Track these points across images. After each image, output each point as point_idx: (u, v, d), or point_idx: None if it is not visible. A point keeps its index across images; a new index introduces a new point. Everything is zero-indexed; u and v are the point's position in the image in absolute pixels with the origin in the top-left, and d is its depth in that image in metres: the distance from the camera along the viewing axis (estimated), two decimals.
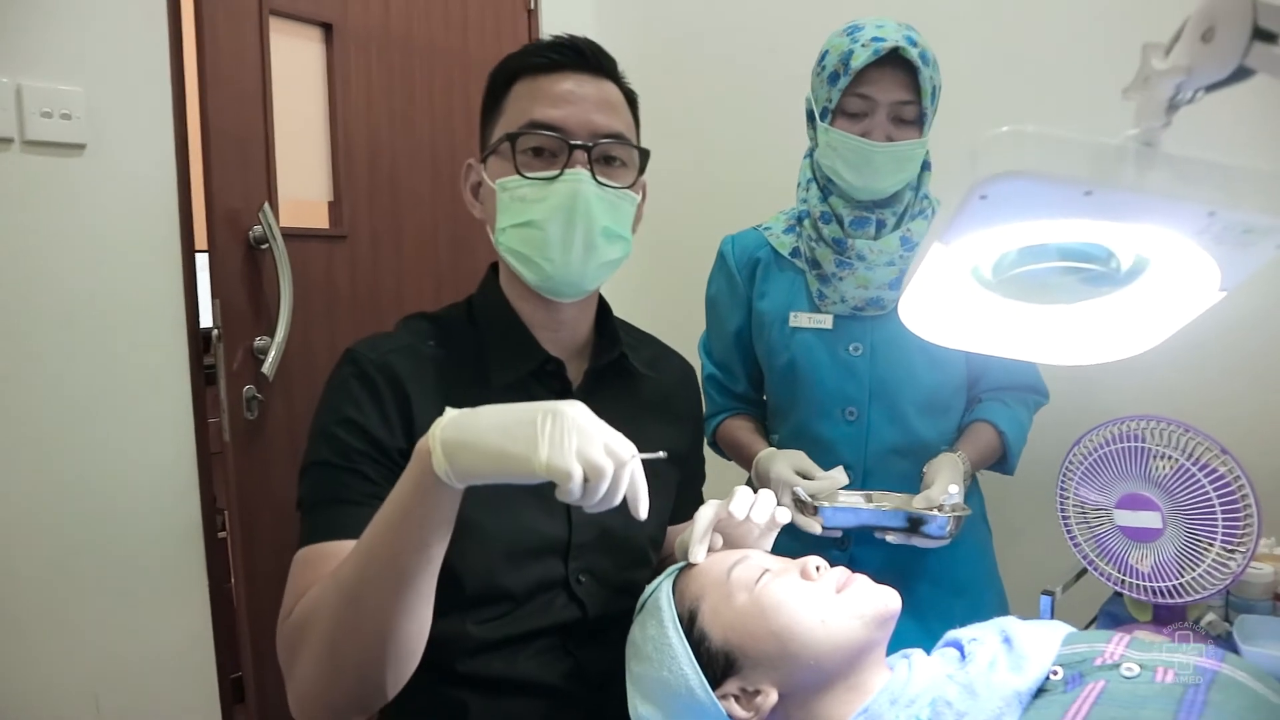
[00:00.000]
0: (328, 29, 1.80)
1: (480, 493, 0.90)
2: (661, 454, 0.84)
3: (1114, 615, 1.27)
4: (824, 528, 1.22)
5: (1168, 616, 1.16)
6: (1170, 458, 1.07)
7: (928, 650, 0.93)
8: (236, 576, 1.73)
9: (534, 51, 1.01)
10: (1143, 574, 1.11)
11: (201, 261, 1.64)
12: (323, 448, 0.93)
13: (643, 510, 0.76)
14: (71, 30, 1.45)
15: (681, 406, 1.18)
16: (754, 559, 0.89)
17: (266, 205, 1.64)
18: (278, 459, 1.72)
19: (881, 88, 1.26)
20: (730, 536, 0.97)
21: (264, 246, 1.67)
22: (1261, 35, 0.53)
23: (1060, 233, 0.69)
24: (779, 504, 1.09)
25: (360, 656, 0.79)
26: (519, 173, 0.97)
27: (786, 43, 2.10)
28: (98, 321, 1.51)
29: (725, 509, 0.96)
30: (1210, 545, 1.05)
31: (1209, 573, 1.06)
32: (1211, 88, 0.59)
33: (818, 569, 0.86)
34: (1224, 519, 1.04)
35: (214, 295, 1.64)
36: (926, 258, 0.74)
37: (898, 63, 1.25)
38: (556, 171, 0.96)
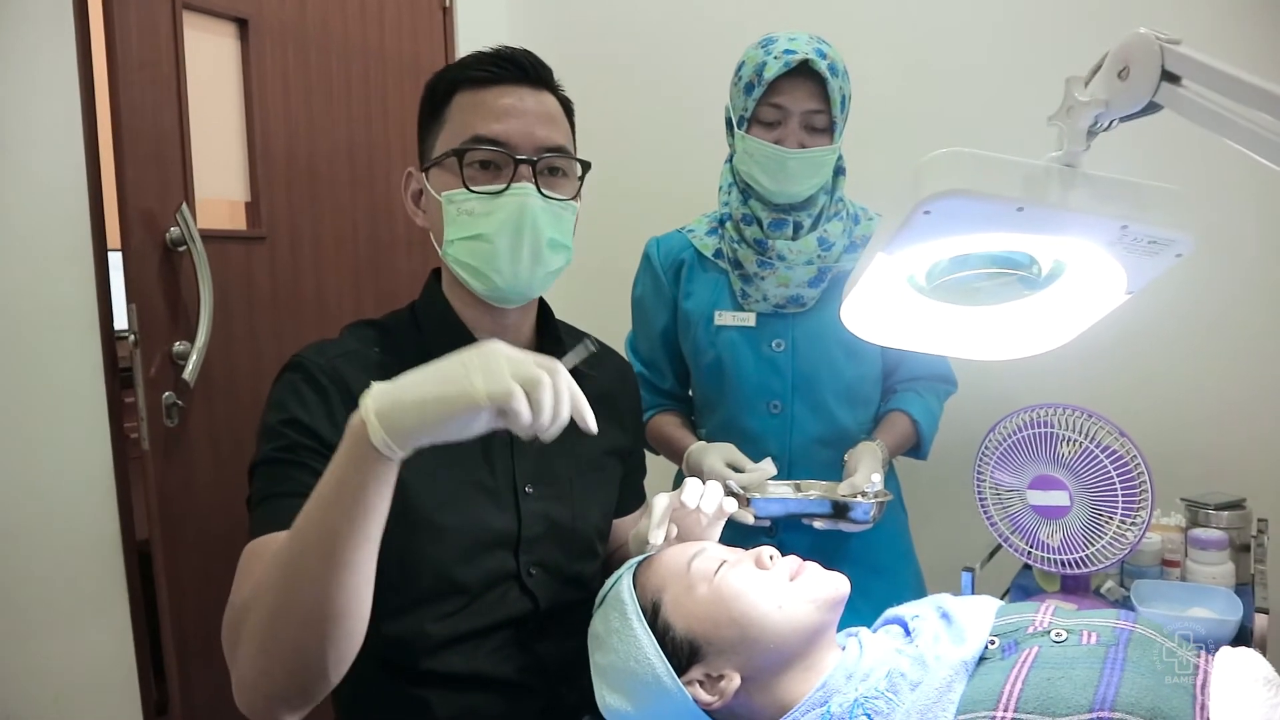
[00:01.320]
0: (243, 24, 1.75)
1: (432, 489, 0.92)
2: (591, 347, 0.88)
3: (1024, 588, 1.37)
4: (755, 518, 1.28)
5: (1074, 586, 1.27)
6: (1075, 441, 1.16)
7: (864, 625, 1.00)
8: (159, 587, 1.68)
9: (474, 64, 1.03)
10: (1053, 548, 1.21)
11: (115, 264, 1.59)
12: (268, 445, 0.94)
13: (591, 423, 0.76)
14: None
15: (622, 403, 1.22)
16: (711, 551, 0.94)
17: (184, 206, 1.60)
18: (201, 466, 1.68)
19: (793, 97, 1.32)
20: (681, 526, 1.02)
21: (181, 248, 1.62)
22: (1169, 77, 0.60)
23: (992, 244, 0.76)
24: None
25: (298, 634, 0.77)
26: (466, 187, 0.99)
27: (703, 46, 2.16)
28: (6, 326, 1.45)
29: (678, 499, 1.00)
30: (1111, 519, 1.16)
31: (1111, 544, 1.16)
32: (1126, 119, 0.66)
33: (771, 558, 0.92)
34: (1123, 495, 1.14)
35: (129, 299, 1.59)
36: (870, 266, 0.80)
37: (808, 74, 1.32)
38: (503, 186, 0.99)
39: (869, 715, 0.76)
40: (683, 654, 0.87)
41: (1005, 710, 0.72)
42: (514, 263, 0.99)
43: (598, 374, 1.15)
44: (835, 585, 0.89)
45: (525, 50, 1.05)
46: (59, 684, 1.54)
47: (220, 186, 1.76)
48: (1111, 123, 0.67)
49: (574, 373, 1.09)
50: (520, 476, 1.05)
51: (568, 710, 1.02)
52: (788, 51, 1.31)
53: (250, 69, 1.77)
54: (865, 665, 0.84)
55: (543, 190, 1.00)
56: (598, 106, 2.33)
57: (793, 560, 0.92)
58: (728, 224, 1.45)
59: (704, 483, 1.04)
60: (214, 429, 1.70)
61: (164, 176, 1.62)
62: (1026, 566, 1.40)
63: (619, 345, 1.55)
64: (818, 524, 1.31)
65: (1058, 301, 0.86)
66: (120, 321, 1.61)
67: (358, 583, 0.78)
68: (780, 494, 1.31)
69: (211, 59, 1.72)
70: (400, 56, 2.10)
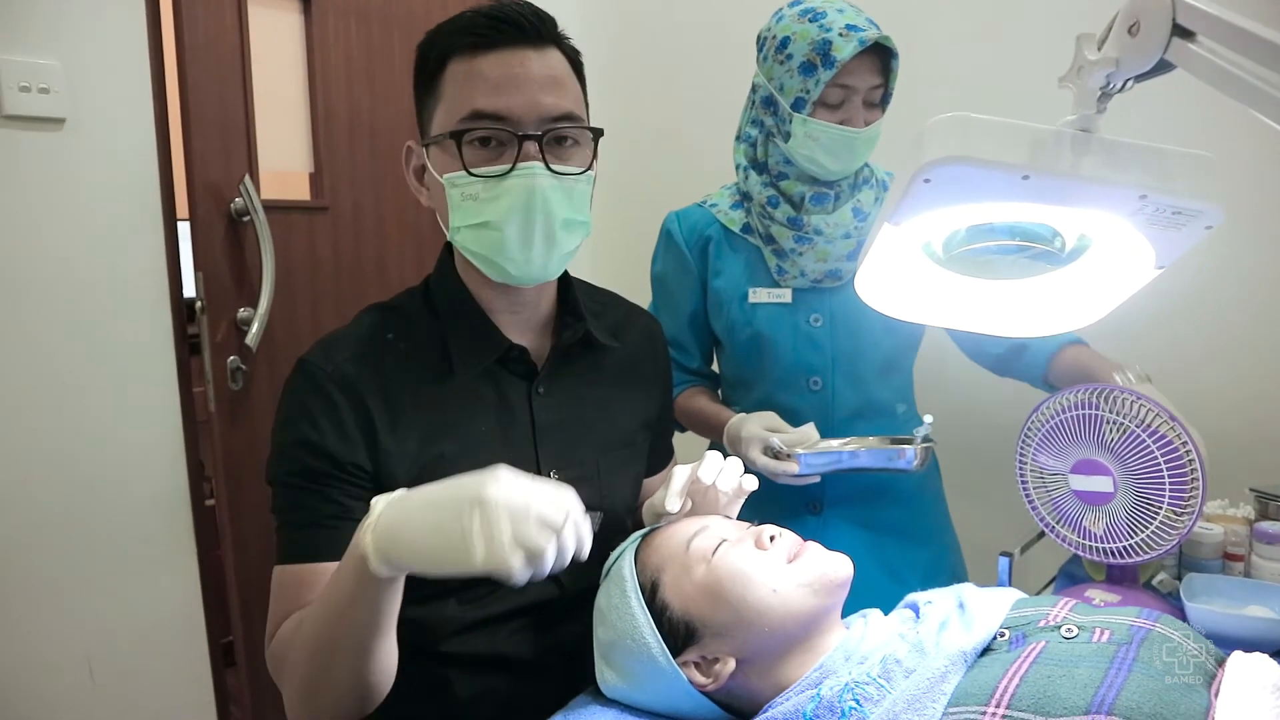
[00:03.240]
0: (306, 1, 1.80)
1: (461, 468, 0.92)
2: (598, 514, 0.83)
3: (1072, 575, 1.31)
4: (800, 474, 1.25)
5: (1120, 576, 1.21)
6: (1121, 424, 1.10)
7: (899, 596, 0.97)
8: (224, 543, 1.77)
9: (466, 27, 0.93)
10: (1096, 535, 1.16)
11: (184, 234, 1.66)
12: (285, 467, 0.92)
13: (585, 550, 0.75)
14: (48, 4, 1.46)
15: (648, 369, 1.17)
16: (713, 528, 0.91)
17: (247, 178, 1.66)
18: (263, 428, 1.74)
19: (860, 76, 1.26)
20: (698, 502, 1.00)
21: (245, 219, 1.69)
22: (1181, 32, 0.56)
23: (1003, 214, 0.73)
24: (749, 459, 1.11)
25: (335, 700, 0.84)
26: (466, 169, 0.91)
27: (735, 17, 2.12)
28: (81, 294, 1.53)
29: (696, 472, 0.99)
30: (1159, 507, 1.10)
31: (1158, 533, 1.10)
32: (1139, 78, 0.62)
33: (771, 539, 0.89)
34: (1171, 482, 1.08)
35: (196, 268, 1.66)
36: (878, 237, 0.78)
37: (874, 50, 1.26)
38: (507, 166, 0.90)
39: (858, 701, 0.74)
40: (679, 634, 0.85)
41: (997, 706, 0.69)
42: (526, 249, 0.93)
43: (621, 342, 1.11)
44: (835, 568, 0.86)
45: (524, 2, 0.95)
46: (132, 633, 1.64)
47: (284, 159, 1.82)
48: (1126, 84, 0.63)
49: (599, 344, 1.07)
50: (545, 462, 1.01)
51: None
52: (852, 28, 1.24)
53: (313, 43, 1.82)
54: (865, 649, 0.82)
55: (552, 166, 0.91)
56: (636, 75, 2.32)
57: (793, 541, 0.89)
58: (753, 206, 1.41)
59: (724, 458, 1.02)
60: (275, 393, 1.76)
61: (229, 149, 1.69)
62: (1076, 554, 1.34)
63: None
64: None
65: (1085, 277, 0.82)
66: (189, 289, 1.68)
67: (386, 650, 0.83)
68: (824, 448, 1.29)
69: (275, 34, 1.77)
70: None
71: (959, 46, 1.88)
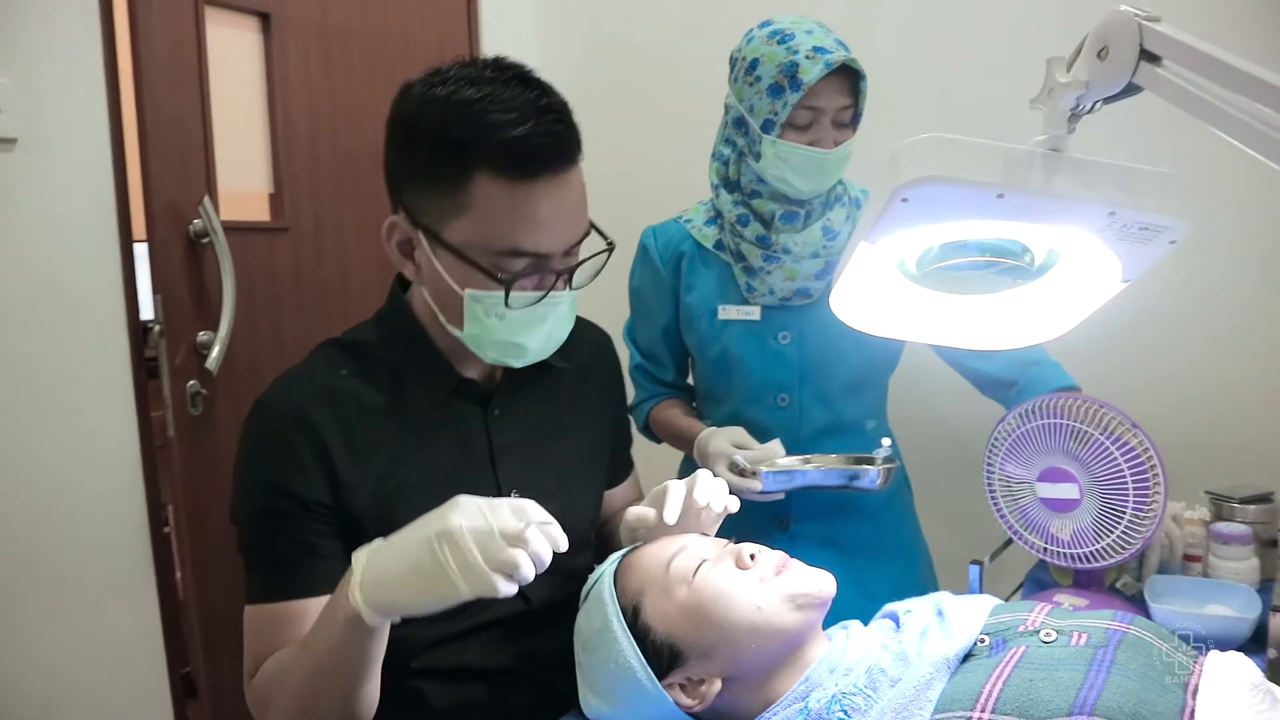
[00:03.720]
0: (265, 18, 1.78)
1: (421, 502, 0.93)
2: (552, 523, 0.82)
3: (1039, 581, 1.34)
4: (763, 490, 1.26)
5: (1087, 580, 1.24)
6: (1085, 433, 1.14)
7: (871, 612, 0.98)
8: (184, 571, 1.73)
9: (506, 146, 0.85)
10: (1064, 541, 1.19)
11: (141, 255, 1.63)
12: (250, 508, 0.94)
13: (562, 544, 0.79)
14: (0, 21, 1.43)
15: (601, 378, 1.19)
16: (692, 548, 0.91)
17: (206, 198, 1.63)
18: (224, 453, 1.71)
19: (828, 98, 1.28)
20: (681, 520, 1.00)
21: (205, 240, 1.66)
22: (1148, 56, 0.58)
23: (977, 231, 0.75)
24: (715, 474, 1.13)
25: None
26: (506, 303, 0.90)
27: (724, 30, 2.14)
28: (36, 317, 1.49)
29: (690, 491, 0.99)
30: (1123, 512, 1.13)
31: (1122, 538, 1.13)
32: (1108, 100, 0.64)
33: (752, 557, 0.89)
34: (1134, 488, 1.11)
35: (155, 290, 1.63)
36: (854, 255, 0.79)
37: (842, 72, 1.27)
38: (539, 295, 0.92)
39: (846, 712, 0.75)
40: (663, 657, 0.85)
41: (982, 711, 0.71)
42: (536, 355, 0.98)
43: (572, 361, 1.11)
44: (818, 584, 0.87)
45: (559, 114, 0.89)
46: (89, 664, 1.59)
47: (244, 179, 1.80)
48: (1095, 105, 0.66)
49: (550, 366, 1.05)
50: (505, 483, 1.02)
51: (562, 699, 1.02)
52: (819, 50, 1.25)
53: (273, 62, 1.80)
54: (849, 660, 0.83)
55: (573, 285, 0.96)
56: (618, 95, 2.34)
57: (775, 557, 0.89)
58: (724, 223, 1.43)
59: (714, 476, 1.03)
60: (238, 418, 1.72)
61: (187, 169, 1.66)
62: (1042, 560, 1.37)
63: (615, 332, 1.55)
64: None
65: (1054, 291, 0.84)
66: (146, 312, 1.65)
67: (373, 687, 0.87)
68: (788, 465, 1.30)
69: (234, 53, 1.74)
70: (424, 48, 2.11)
71: (927, 65, 1.92)
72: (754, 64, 1.30)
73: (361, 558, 0.80)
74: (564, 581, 1.03)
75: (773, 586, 0.86)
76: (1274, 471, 1.52)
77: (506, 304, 0.90)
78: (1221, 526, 1.31)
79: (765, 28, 1.32)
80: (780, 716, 0.79)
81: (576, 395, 1.13)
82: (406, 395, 0.99)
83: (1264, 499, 1.37)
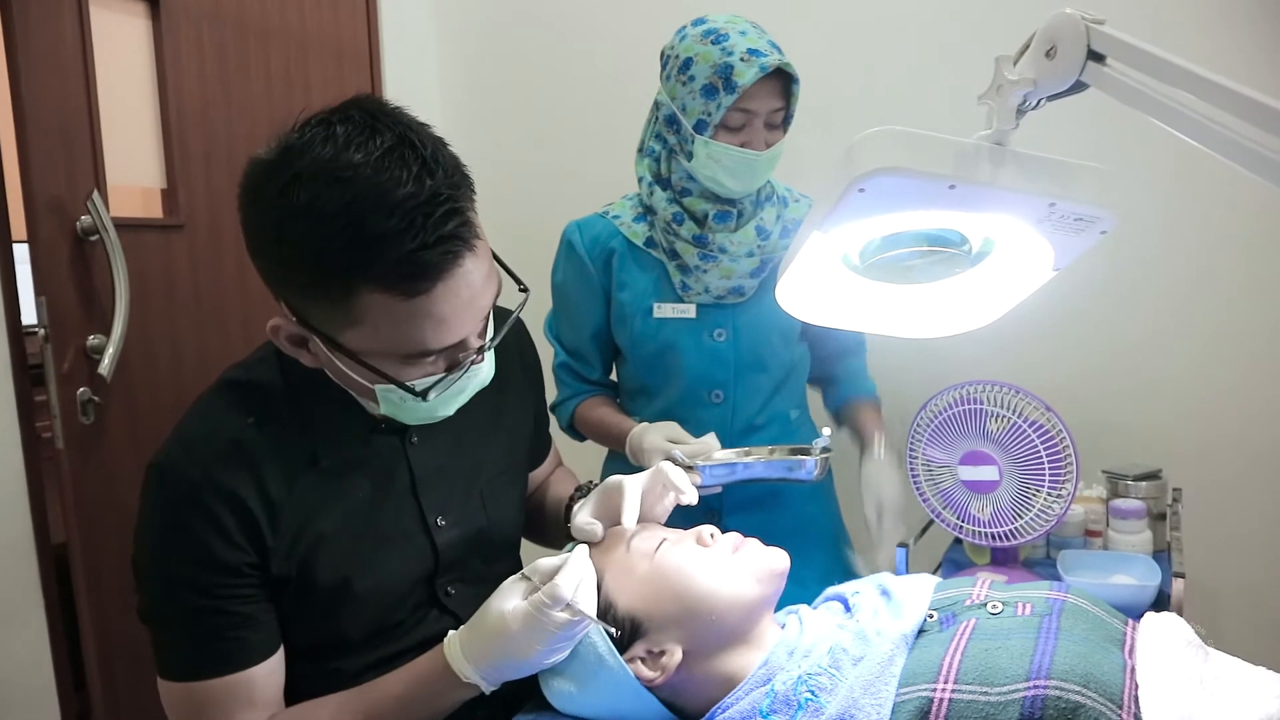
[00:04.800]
0: (154, 5, 1.68)
1: (343, 561, 0.91)
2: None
3: (956, 561, 1.40)
4: (702, 485, 1.27)
5: (1003, 558, 1.30)
6: (1003, 417, 1.19)
7: (803, 599, 1.01)
8: (76, 591, 1.62)
9: (390, 262, 0.75)
10: (983, 521, 1.24)
11: (21, 256, 1.51)
12: (171, 581, 0.86)
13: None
14: None
15: (518, 370, 1.13)
16: (651, 530, 0.94)
17: (95, 193, 1.53)
18: (121, 464, 1.61)
19: (761, 100, 1.28)
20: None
21: (93, 238, 1.55)
22: (1094, 56, 0.62)
23: (925, 221, 0.77)
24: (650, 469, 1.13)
25: None
26: (418, 395, 0.85)
27: (629, 24, 2.15)
28: None
29: (643, 491, 0.99)
30: (1039, 491, 1.19)
31: (1039, 516, 1.20)
32: (1053, 97, 0.67)
33: (712, 536, 0.93)
34: (1050, 468, 1.18)
35: (38, 292, 1.52)
36: (805, 246, 0.81)
37: (775, 74, 1.28)
38: (457, 376, 0.87)
39: (814, 692, 0.77)
40: (624, 630, 0.87)
41: (946, 681, 0.74)
42: (456, 411, 0.94)
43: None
44: (776, 559, 0.91)
45: (448, 197, 0.77)
46: None
47: (134, 173, 1.69)
48: (1040, 101, 0.69)
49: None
50: (429, 509, 0.99)
51: (499, 701, 1.00)
52: (754, 53, 1.26)
53: (163, 50, 1.70)
54: (807, 642, 0.85)
55: (487, 351, 0.90)
56: (519, 84, 2.32)
57: (733, 536, 0.93)
58: (657, 221, 1.42)
59: (672, 467, 1.03)
60: (135, 425, 1.64)
61: (73, 163, 1.55)
62: (957, 540, 1.43)
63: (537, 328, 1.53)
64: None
65: (987, 279, 0.88)
66: (29, 316, 1.54)
67: None
68: (725, 459, 1.31)
69: (121, 40, 1.64)
70: (322, 37, 2.04)
71: (853, 64, 1.97)
72: (688, 63, 1.30)
73: (451, 645, 0.88)
74: (490, 590, 0.97)
75: (733, 559, 0.89)
76: (1160, 449, 1.64)
77: (424, 399, 0.86)
78: (1119, 503, 1.40)
79: (699, 26, 1.31)
80: (746, 701, 0.80)
81: (495, 397, 1.06)
82: (317, 441, 0.92)
83: (1153, 476, 1.48)
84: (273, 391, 0.92)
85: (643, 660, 0.87)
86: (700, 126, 1.30)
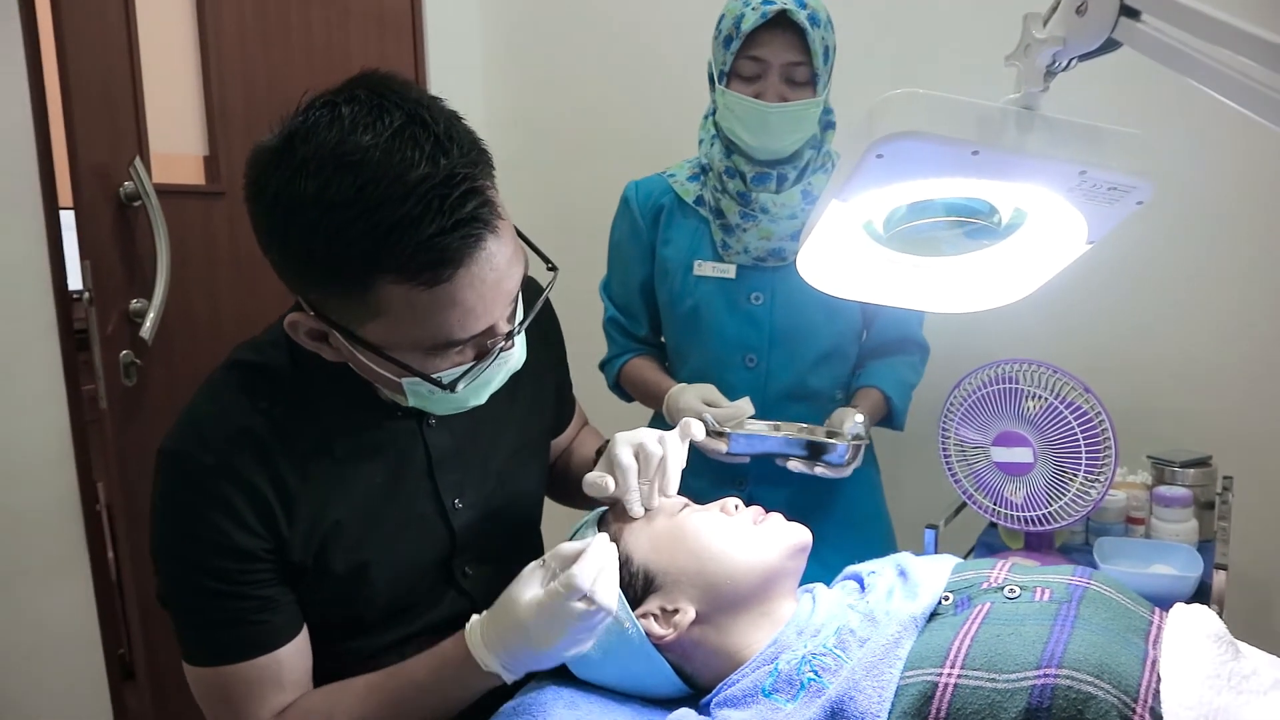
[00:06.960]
0: None
1: (360, 547, 0.90)
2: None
3: (989, 545, 1.37)
4: (730, 452, 1.26)
5: (1038, 543, 1.26)
6: (1040, 397, 1.15)
7: (826, 581, 0.99)
8: (118, 549, 1.66)
9: (407, 249, 0.71)
10: (1016, 505, 1.20)
11: (68, 222, 1.55)
12: (193, 569, 0.85)
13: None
14: None
15: (537, 329, 1.04)
16: (676, 497, 0.94)
17: (138, 160, 1.55)
18: (161, 423, 1.62)
19: (772, 49, 1.29)
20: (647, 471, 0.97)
21: (136, 204, 1.58)
22: (1128, 11, 0.58)
23: (948, 189, 0.74)
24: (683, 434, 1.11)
25: None
26: (447, 388, 0.82)
27: None
28: None
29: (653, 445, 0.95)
30: (1075, 476, 1.15)
31: (1074, 501, 1.15)
32: (1084, 57, 0.63)
33: (736, 508, 0.93)
34: (1086, 452, 1.13)
35: (83, 257, 1.55)
36: (824, 214, 0.78)
37: (788, 25, 1.28)
38: (486, 364, 0.84)
39: (817, 672, 0.75)
40: (638, 584, 0.87)
41: (952, 667, 0.71)
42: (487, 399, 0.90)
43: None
44: (798, 534, 0.90)
45: (465, 175, 0.73)
46: (21, 646, 1.52)
47: (177, 141, 1.72)
48: (1070, 62, 0.65)
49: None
50: (446, 491, 0.96)
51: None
52: (765, 2, 1.27)
53: (205, 18, 1.72)
54: (817, 621, 0.83)
55: (517, 335, 0.86)
56: (576, 49, 2.29)
57: (754, 510, 0.93)
58: (709, 174, 1.43)
59: (668, 424, 1.03)
60: (174, 387, 1.67)
61: (116, 130, 1.58)
62: (992, 524, 1.39)
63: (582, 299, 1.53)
64: (793, 465, 1.27)
65: (1018, 252, 0.84)
66: (74, 280, 1.57)
67: None
68: (757, 430, 1.29)
69: (164, 8, 1.66)
70: (364, 3, 2.04)
71: (886, 23, 1.91)
72: (720, 19, 1.34)
73: (472, 632, 0.86)
74: (508, 570, 0.96)
75: (755, 530, 0.89)
76: (1211, 436, 1.57)
77: (453, 391, 0.83)
78: (1163, 490, 1.35)
79: None
80: (750, 679, 0.79)
81: (515, 375, 1.01)
82: (331, 427, 0.90)
83: (1202, 463, 1.42)
84: (283, 376, 0.89)
85: (655, 617, 0.86)
86: (720, 77, 1.34)
